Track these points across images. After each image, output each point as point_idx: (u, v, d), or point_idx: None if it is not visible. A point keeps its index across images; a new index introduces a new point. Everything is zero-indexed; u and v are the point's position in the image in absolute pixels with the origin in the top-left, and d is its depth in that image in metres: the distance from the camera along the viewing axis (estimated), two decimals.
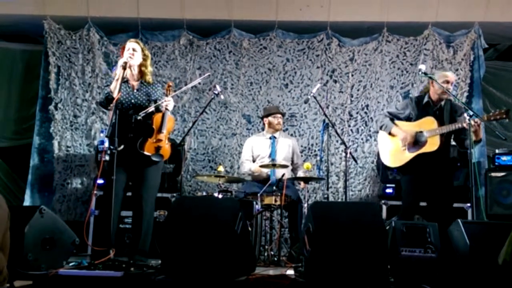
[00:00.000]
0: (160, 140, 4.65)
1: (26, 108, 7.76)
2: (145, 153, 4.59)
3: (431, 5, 7.00)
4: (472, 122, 4.74)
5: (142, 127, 4.63)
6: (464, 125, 4.80)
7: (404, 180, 5.32)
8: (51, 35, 7.28)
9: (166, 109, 4.69)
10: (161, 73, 7.24)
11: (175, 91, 4.96)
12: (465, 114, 4.80)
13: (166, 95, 4.75)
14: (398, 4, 7.00)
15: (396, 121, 5.31)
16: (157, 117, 4.68)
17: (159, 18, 7.21)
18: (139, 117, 4.56)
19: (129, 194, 4.78)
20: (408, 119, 5.28)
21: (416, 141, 5.11)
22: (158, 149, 4.63)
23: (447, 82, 5.10)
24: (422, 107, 5.22)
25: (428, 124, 5.11)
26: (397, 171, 5.52)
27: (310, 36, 7.29)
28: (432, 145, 5.04)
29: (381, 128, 5.38)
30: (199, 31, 7.32)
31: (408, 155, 5.16)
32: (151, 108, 4.64)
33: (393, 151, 5.29)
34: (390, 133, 5.29)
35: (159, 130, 4.66)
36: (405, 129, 5.21)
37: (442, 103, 5.20)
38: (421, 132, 5.10)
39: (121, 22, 7.23)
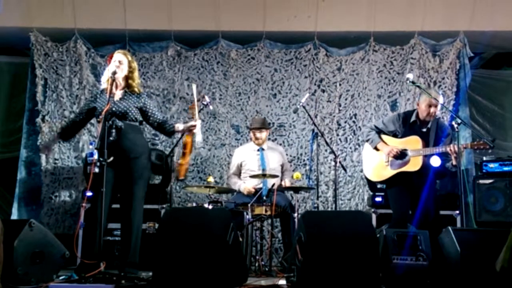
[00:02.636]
0: (187, 163, 4.83)
1: (13, 121, 7.68)
2: (181, 178, 4.84)
3: (417, 14, 7.05)
4: (452, 149, 4.80)
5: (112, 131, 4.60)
6: (448, 149, 4.85)
7: (391, 192, 5.32)
8: (37, 47, 7.23)
9: (193, 132, 4.77)
10: (149, 84, 7.22)
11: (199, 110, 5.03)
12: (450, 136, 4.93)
13: (192, 117, 4.81)
14: (384, 14, 7.04)
15: (383, 136, 5.32)
16: (187, 141, 4.78)
17: (147, 29, 7.19)
18: (120, 124, 4.59)
19: (115, 206, 4.76)
20: (393, 135, 5.30)
21: (400, 157, 5.13)
22: (186, 171, 4.83)
23: (429, 106, 5.10)
24: (409, 125, 5.24)
25: (413, 144, 5.12)
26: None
27: (297, 46, 7.32)
28: (414, 165, 5.08)
29: (367, 141, 5.40)
30: (186, 42, 7.32)
31: (390, 172, 5.20)
32: (185, 131, 4.80)
33: (376, 165, 5.33)
34: (375, 148, 5.31)
35: (190, 154, 4.82)
36: (391, 144, 5.23)
37: (429, 123, 5.21)
38: (405, 150, 5.12)
39: (108, 33, 7.21)
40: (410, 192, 5.12)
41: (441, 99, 5.18)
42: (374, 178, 5.39)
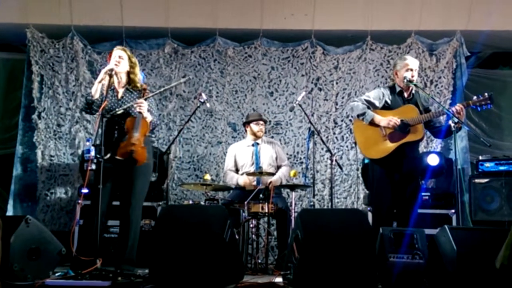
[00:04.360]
0: (133, 144, 4.50)
1: (9, 117, 7.67)
2: (117, 157, 4.48)
3: (414, 13, 7.07)
4: (458, 108, 4.72)
5: (115, 131, 4.58)
6: (453, 109, 4.74)
7: (376, 186, 5.06)
8: (34, 44, 7.22)
9: (139, 112, 4.57)
10: (146, 82, 7.18)
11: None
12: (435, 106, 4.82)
13: (140, 98, 4.63)
14: (381, 13, 7.07)
15: (375, 110, 5.02)
16: (130, 120, 4.59)
17: (144, 26, 7.20)
18: (105, 118, 4.52)
19: (115, 203, 4.75)
20: (384, 107, 5.03)
21: (401, 128, 4.86)
22: (131, 153, 4.49)
23: (411, 70, 4.97)
24: (396, 95, 5.06)
25: (409, 112, 4.91)
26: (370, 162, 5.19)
27: (294, 44, 7.33)
28: (417, 133, 4.87)
29: (359, 116, 4.99)
30: (183, 39, 7.32)
31: (391, 145, 4.88)
32: (120, 110, 4.58)
33: (374, 141, 4.96)
34: (371, 122, 4.95)
35: (132, 133, 4.53)
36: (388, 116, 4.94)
37: (413, 91, 5.08)
38: (403, 120, 4.87)
39: (105, 30, 7.20)
40: (395, 181, 4.94)
41: (417, 64, 5.10)
42: (374, 155, 4.96)
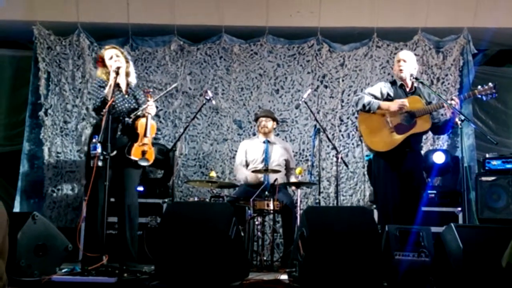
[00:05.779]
0: (145, 144, 4.69)
1: (15, 114, 7.69)
2: (132, 157, 4.62)
3: (420, 10, 7.04)
4: (454, 102, 4.76)
5: (128, 132, 4.68)
6: (453, 102, 4.78)
7: (382, 169, 4.98)
8: (40, 41, 7.24)
9: (149, 113, 4.71)
10: (152, 79, 7.22)
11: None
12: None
13: (147, 100, 4.75)
14: (388, 10, 7.04)
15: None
16: (141, 122, 4.71)
17: (150, 23, 7.20)
18: (130, 121, 4.62)
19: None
20: (387, 100, 5.00)
21: (408, 118, 4.87)
22: (144, 153, 4.67)
23: (398, 61, 5.05)
24: (398, 87, 5.09)
25: (415, 103, 4.91)
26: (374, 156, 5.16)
27: (300, 41, 7.32)
28: (423, 125, 4.88)
29: (365, 107, 4.97)
30: (189, 36, 7.32)
31: (399, 137, 4.86)
32: (140, 111, 4.71)
33: (380, 134, 4.95)
34: (379, 110, 4.95)
35: (144, 135, 4.69)
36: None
37: (415, 85, 5.10)
38: (409, 110, 4.88)
39: (111, 27, 7.21)
40: (398, 177, 4.92)
41: (410, 55, 5.14)
42: (382, 148, 4.92)
